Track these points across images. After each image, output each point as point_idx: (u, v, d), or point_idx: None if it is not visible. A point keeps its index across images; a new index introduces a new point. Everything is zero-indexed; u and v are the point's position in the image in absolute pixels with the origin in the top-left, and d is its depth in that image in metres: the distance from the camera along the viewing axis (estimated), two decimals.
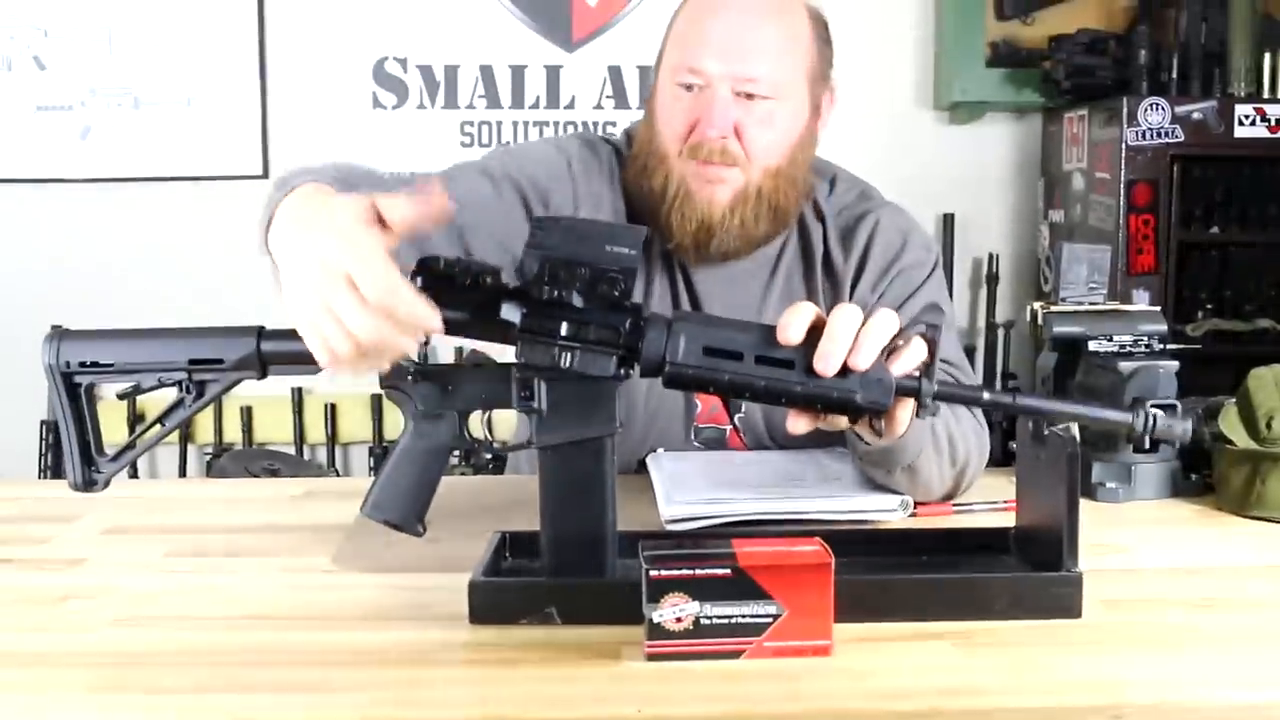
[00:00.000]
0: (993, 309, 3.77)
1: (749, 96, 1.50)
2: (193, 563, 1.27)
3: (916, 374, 1.07)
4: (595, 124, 3.72)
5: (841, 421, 1.11)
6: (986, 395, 1.10)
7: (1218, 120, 3.26)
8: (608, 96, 3.72)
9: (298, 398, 3.67)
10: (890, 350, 1.07)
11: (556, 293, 1.06)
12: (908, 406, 1.10)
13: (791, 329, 1.06)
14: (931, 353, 1.07)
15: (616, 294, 1.06)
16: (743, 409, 1.63)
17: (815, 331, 1.06)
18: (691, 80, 1.50)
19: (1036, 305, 1.64)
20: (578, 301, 1.07)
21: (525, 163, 1.61)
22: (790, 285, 1.65)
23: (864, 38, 3.68)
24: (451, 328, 1.08)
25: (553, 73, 3.72)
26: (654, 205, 1.56)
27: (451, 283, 1.07)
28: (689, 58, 1.50)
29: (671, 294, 1.62)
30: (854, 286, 1.63)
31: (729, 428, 1.66)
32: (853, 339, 1.05)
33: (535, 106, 3.72)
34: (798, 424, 1.10)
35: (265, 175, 3.66)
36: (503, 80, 3.71)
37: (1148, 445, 1.13)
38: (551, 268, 1.06)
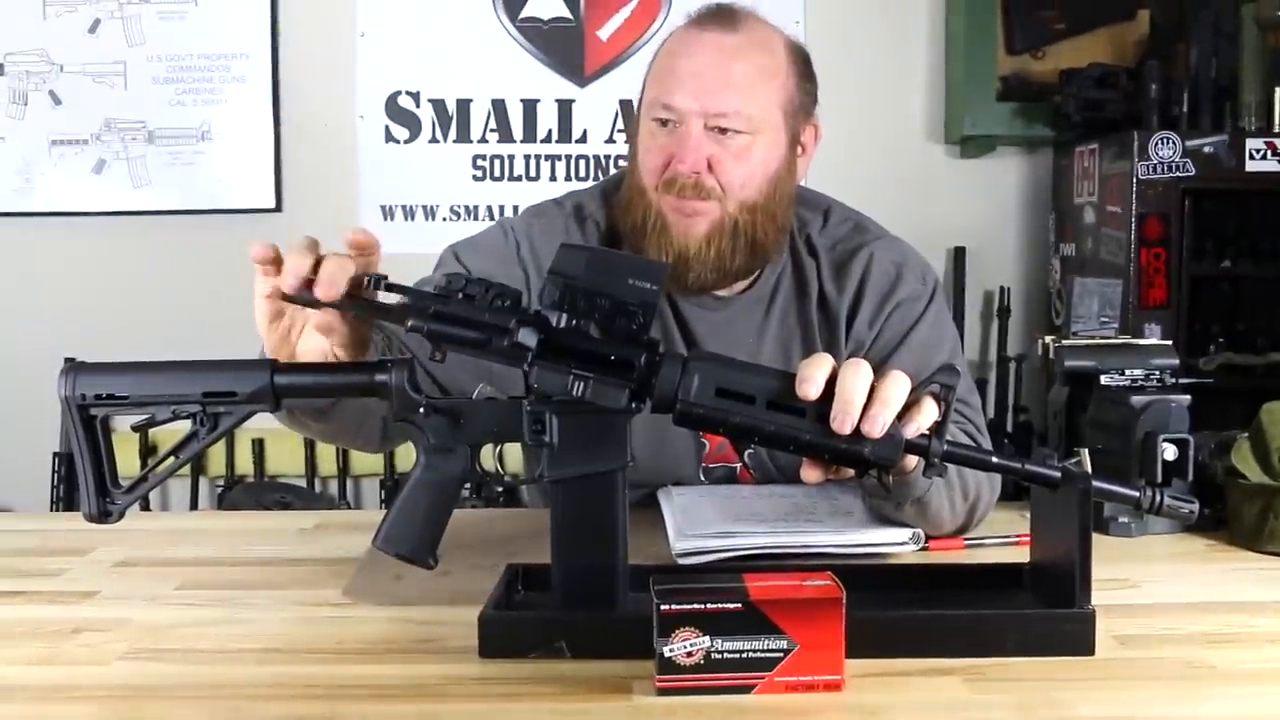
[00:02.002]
0: (1004, 342, 3.77)
1: (722, 131, 1.52)
2: (204, 595, 1.27)
3: (926, 432, 1.08)
4: (606, 157, 3.73)
5: (849, 471, 1.11)
6: (995, 459, 1.11)
7: (1229, 154, 3.26)
8: (619, 130, 3.73)
9: None
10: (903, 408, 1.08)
11: (575, 321, 1.07)
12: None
13: (812, 385, 1.05)
14: (944, 414, 1.08)
15: (634, 328, 1.07)
16: (752, 445, 1.64)
17: (829, 381, 1.07)
18: (666, 116, 1.53)
19: (1048, 339, 1.64)
20: (595, 332, 1.08)
21: (476, 259, 1.62)
22: (786, 322, 1.65)
23: (875, 72, 3.70)
24: (469, 348, 1.09)
25: (564, 106, 3.73)
26: (636, 240, 1.58)
27: (471, 304, 1.08)
28: (663, 94, 1.53)
29: (662, 331, 1.62)
30: (850, 322, 1.64)
31: (739, 465, 1.66)
32: (864, 400, 1.05)
33: (547, 140, 3.73)
34: (811, 474, 1.10)
35: (278, 208, 3.67)
36: (515, 114, 3.72)
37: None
38: (572, 296, 1.07)
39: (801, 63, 1.59)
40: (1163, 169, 3.24)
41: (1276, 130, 3.32)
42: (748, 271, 1.61)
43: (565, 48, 3.72)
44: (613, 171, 3.76)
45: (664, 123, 1.53)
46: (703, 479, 1.66)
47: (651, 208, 1.55)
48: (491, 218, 3.71)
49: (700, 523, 1.39)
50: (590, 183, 3.66)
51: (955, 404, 1.46)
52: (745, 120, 1.51)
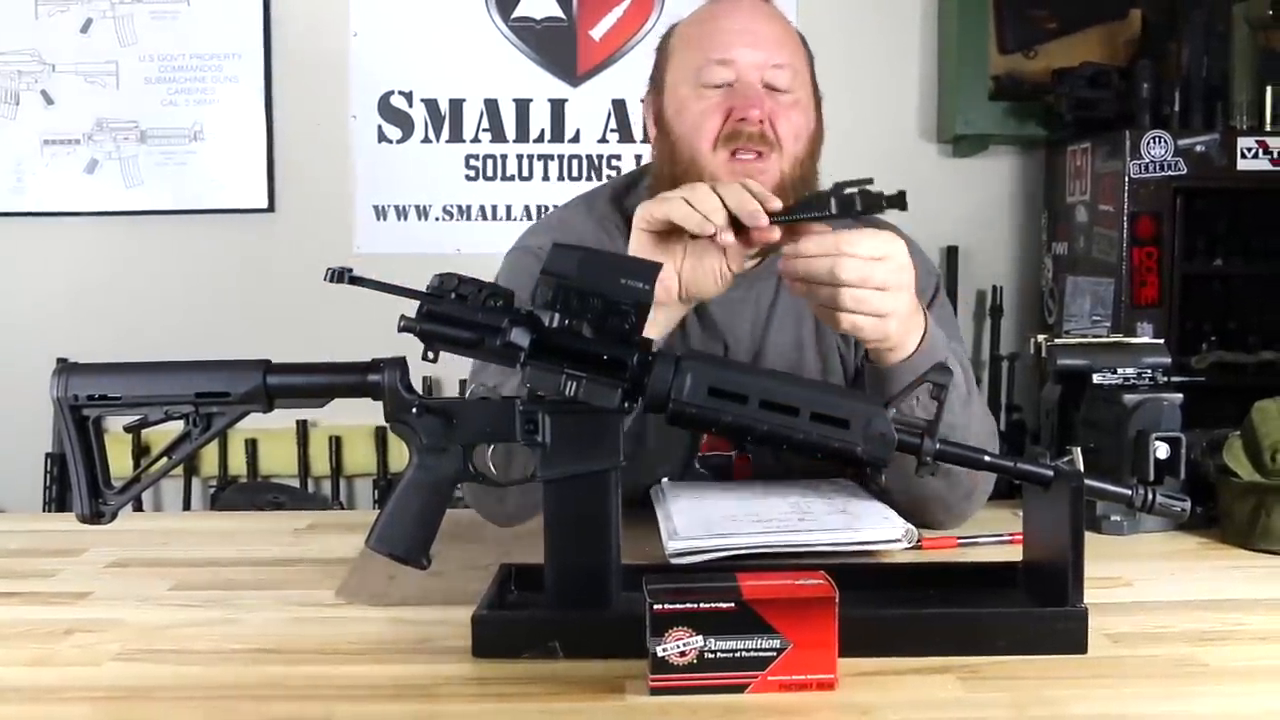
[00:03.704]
0: (996, 341, 3.77)
1: (773, 89, 1.55)
2: (198, 596, 1.27)
3: (918, 431, 1.08)
4: (599, 157, 3.73)
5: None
6: (988, 458, 1.11)
7: (1220, 153, 3.26)
8: (611, 130, 3.73)
9: (302, 431, 3.67)
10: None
11: (567, 321, 1.08)
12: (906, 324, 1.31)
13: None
14: (938, 413, 1.08)
15: (627, 327, 1.07)
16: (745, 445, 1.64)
17: (818, 384, 1.09)
18: (719, 77, 1.54)
19: (1040, 338, 1.64)
20: (588, 332, 1.08)
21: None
22: (797, 300, 1.66)
23: (868, 71, 3.70)
24: (461, 349, 1.09)
25: (557, 106, 3.73)
26: None
27: (464, 303, 1.08)
28: (715, 51, 1.55)
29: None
30: None
31: (734, 453, 1.66)
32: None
33: (540, 140, 3.73)
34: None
35: (271, 209, 3.68)
36: (507, 114, 3.72)
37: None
38: (564, 296, 1.07)
39: (808, 54, 1.65)
40: (1155, 168, 3.24)
41: (1268, 129, 3.33)
42: None
43: (558, 47, 3.72)
44: (608, 175, 3.79)
45: (715, 85, 1.55)
46: (698, 467, 1.66)
47: (706, 174, 1.53)
48: (484, 217, 3.71)
49: (693, 522, 1.39)
50: (586, 184, 3.70)
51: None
52: (793, 75, 1.56)
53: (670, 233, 1.37)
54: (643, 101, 1.67)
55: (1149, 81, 3.35)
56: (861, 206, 1.32)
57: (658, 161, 1.62)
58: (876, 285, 1.30)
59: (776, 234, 1.34)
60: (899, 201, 1.31)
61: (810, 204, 1.35)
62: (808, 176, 1.58)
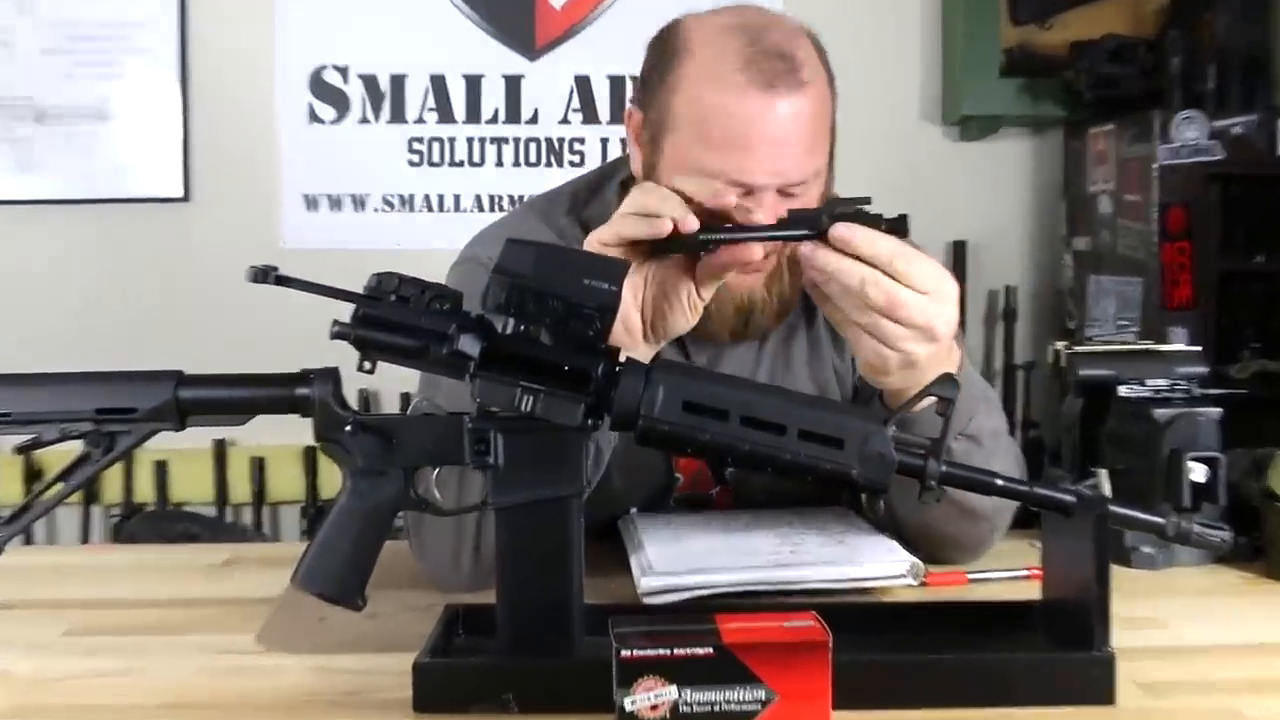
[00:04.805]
0: (1010, 349, 3.79)
1: (791, 195, 1.46)
2: (96, 643, 1.26)
3: (921, 450, 1.08)
4: (560, 140, 3.73)
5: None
6: (1000, 482, 1.12)
7: (1260, 135, 3.28)
8: (574, 110, 3.73)
9: (220, 451, 3.65)
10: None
11: (523, 327, 1.07)
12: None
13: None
14: (944, 430, 1.08)
15: (590, 334, 1.07)
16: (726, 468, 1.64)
17: (807, 398, 1.10)
18: (732, 192, 1.43)
19: (1060, 345, 1.65)
20: (546, 339, 1.08)
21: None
22: (792, 332, 1.65)
23: (864, 45, 3.71)
24: (401, 357, 1.09)
25: (512, 83, 3.73)
26: None
27: (405, 306, 1.07)
28: (733, 168, 1.44)
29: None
30: None
31: (714, 491, 1.66)
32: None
33: (493, 120, 3.73)
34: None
35: (186, 198, 3.66)
36: (456, 91, 3.72)
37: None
38: (519, 298, 1.07)
39: (825, 59, 1.54)
40: (1187, 152, 3.26)
41: None
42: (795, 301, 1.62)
43: (513, 17, 3.72)
44: (570, 161, 3.79)
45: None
46: (674, 506, 1.66)
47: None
48: (430, 208, 3.70)
49: (669, 556, 1.39)
50: (544, 170, 3.70)
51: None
52: (814, 173, 1.48)
53: (627, 254, 1.33)
54: (627, 111, 1.58)
55: (1180, 55, 3.37)
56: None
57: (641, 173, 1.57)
58: (916, 321, 1.29)
59: (757, 253, 1.34)
60: (900, 227, 1.30)
61: (797, 222, 1.33)
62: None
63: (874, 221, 1.30)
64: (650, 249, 1.34)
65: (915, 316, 1.28)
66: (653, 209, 1.33)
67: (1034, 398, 3.79)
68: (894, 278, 1.27)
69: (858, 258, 1.28)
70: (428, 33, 3.71)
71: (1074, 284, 3.67)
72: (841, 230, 1.28)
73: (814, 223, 1.30)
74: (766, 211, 1.45)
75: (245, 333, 3.40)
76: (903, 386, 1.34)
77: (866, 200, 1.31)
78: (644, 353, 1.40)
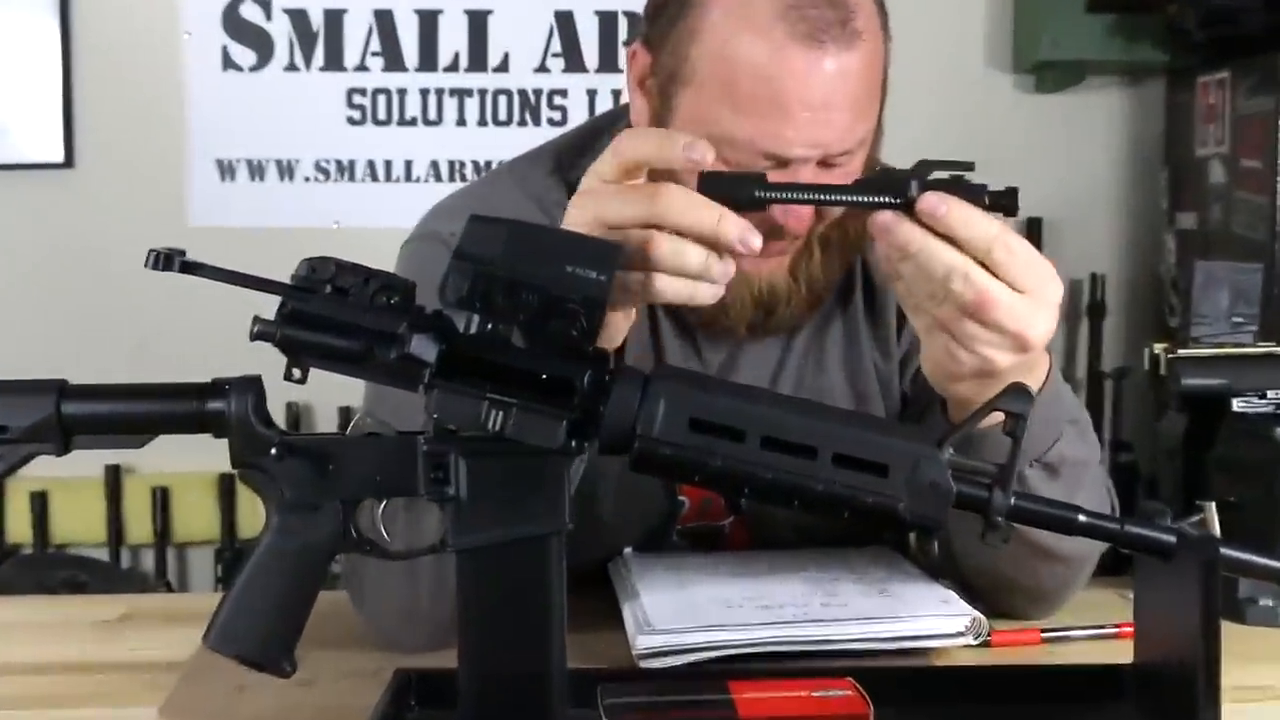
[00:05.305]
0: (1097, 352, 3.79)
1: (833, 166, 1.47)
2: None
3: (986, 479, 1.09)
4: (537, 93, 3.74)
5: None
6: (1082, 518, 1.12)
7: None
8: (554, 55, 3.73)
9: (114, 480, 3.65)
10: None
11: (490, 325, 1.07)
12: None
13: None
14: (1012, 454, 1.09)
15: (575, 333, 1.07)
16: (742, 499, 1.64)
17: (843, 413, 1.09)
18: (763, 163, 1.44)
19: (1159, 348, 1.65)
20: (519, 340, 1.08)
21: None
22: (826, 323, 1.66)
23: None
24: (340, 363, 1.09)
25: (477, 20, 3.73)
26: None
27: (344, 299, 1.07)
28: (768, 139, 1.44)
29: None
30: (904, 321, 1.65)
31: (727, 522, 1.66)
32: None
33: (453, 68, 3.73)
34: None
35: (69, 163, 3.66)
36: (407, 30, 3.72)
37: None
38: (486, 290, 1.07)
39: (884, 15, 1.55)
40: None
41: None
42: (832, 286, 1.62)
43: None
44: (549, 120, 3.79)
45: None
46: (677, 540, 1.67)
47: None
48: (374, 178, 3.72)
49: (671, 608, 1.39)
50: (517, 131, 3.70)
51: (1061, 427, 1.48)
52: (860, 142, 1.49)
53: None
54: (627, 49, 1.60)
55: None
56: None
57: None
58: (1006, 326, 1.26)
59: (804, 223, 1.31)
60: (1007, 204, 1.26)
61: (874, 184, 1.27)
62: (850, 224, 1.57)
63: (975, 194, 1.25)
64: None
65: (1006, 320, 1.25)
66: (651, 149, 1.27)
67: (1126, 413, 3.79)
68: (989, 268, 1.24)
69: (948, 239, 1.24)
70: None
71: (1177, 271, 3.68)
72: (934, 202, 1.23)
73: (901, 189, 1.24)
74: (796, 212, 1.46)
75: (145, 332, 3.41)
76: (973, 397, 1.31)
77: (968, 166, 1.26)
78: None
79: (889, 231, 1.24)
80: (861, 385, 1.66)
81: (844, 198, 1.30)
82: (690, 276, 1.21)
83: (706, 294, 1.23)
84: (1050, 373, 1.39)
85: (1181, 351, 1.62)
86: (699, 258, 1.20)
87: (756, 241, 1.21)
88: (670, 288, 1.22)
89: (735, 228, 1.20)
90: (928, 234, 1.23)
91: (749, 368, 1.62)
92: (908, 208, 1.23)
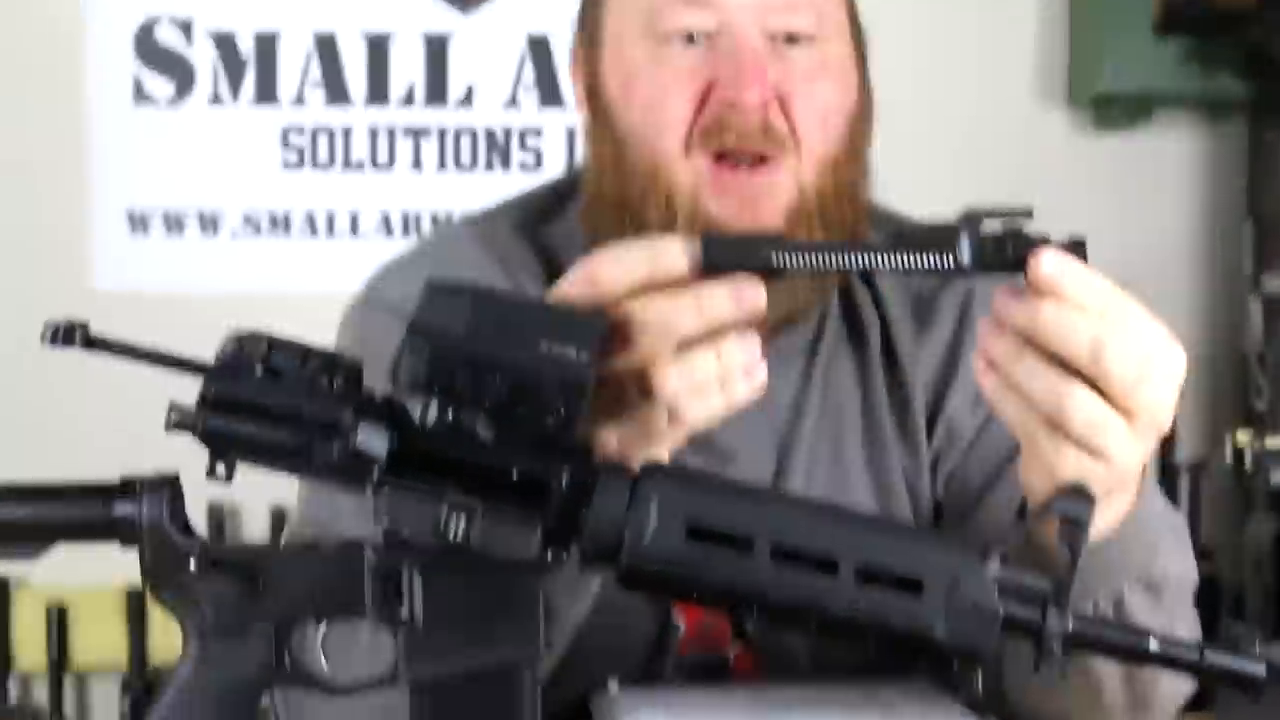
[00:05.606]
0: (1169, 440, 3.79)
1: (788, 39, 1.52)
2: None
3: (1040, 595, 1.09)
4: (507, 132, 3.75)
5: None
6: (1154, 645, 1.11)
7: None
8: (527, 87, 3.74)
9: (1, 595, 3.64)
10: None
11: (451, 414, 1.07)
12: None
13: None
14: (1070, 567, 1.08)
15: (551, 423, 1.07)
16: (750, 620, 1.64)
17: (867, 519, 1.09)
18: (690, 22, 1.52)
19: (1243, 437, 1.66)
20: (485, 431, 1.08)
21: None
22: (835, 380, 1.67)
23: None
24: (275, 459, 1.09)
25: (436, 46, 3.75)
26: None
27: (277, 382, 1.08)
28: None
29: None
30: (939, 396, 1.66)
31: (732, 650, 1.66)
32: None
33: (409, 102, 3.74)
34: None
35: None
36: (353, 58, 3.74)
37: None
38: (446, 371, 1.07)
39: None
40: None
41: None
42: (826, 290, 1.63)
43: None
44: (521, 162, 3.79)
45: (688, 37, 1.53)
46: (669, 668, 1.67)
47: (679, 193, 1.54)
48: (314, 232, 3.72)
49: None
50: (484, 175, 3.71)
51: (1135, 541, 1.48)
52: (817, 17, 1.53)
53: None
54: (572, 56, 1.67)
55: None
56: (1015, 255, 1.19)
57: (594, 166, 1.63)
58: (1136, 405, 1.22)
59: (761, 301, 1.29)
60: (1077, 254, 1.21)
61: (915, 240, 1.20)
62: (849, 184, 1.59)
63: (1034, 246, 1.19)
64: None
65: (1145, 392, 1.22)
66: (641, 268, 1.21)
67: (1204, 514, 3.78)
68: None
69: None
70: None
71: (1265, 345, 3.68)
72: (1055, 264, 1.17)
73: (949, 243, 1.18)
74: (750, 60, 1.50)
75: (40, 419, 3.41)
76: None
77: (1025, 214, 1.21)
78: None
79: (1009, 308, 1.19)
80: (886, 479, 1.67)
81: (882, 256, 1.21)
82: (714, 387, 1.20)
83: (742, 393, 1.21)
84: (1143, 479, 1.35)
85: (1270, 442, 1.63)
86: (710, 364, 1.19)
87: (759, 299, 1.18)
88: (702, 410, 1.20)
89: (730, 301, 1.18)
90: (1060, 310, 1.17)
91: (748, 463, 1.62)
92: (1017, 267, 1.18)
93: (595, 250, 1.32)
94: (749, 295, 1.17)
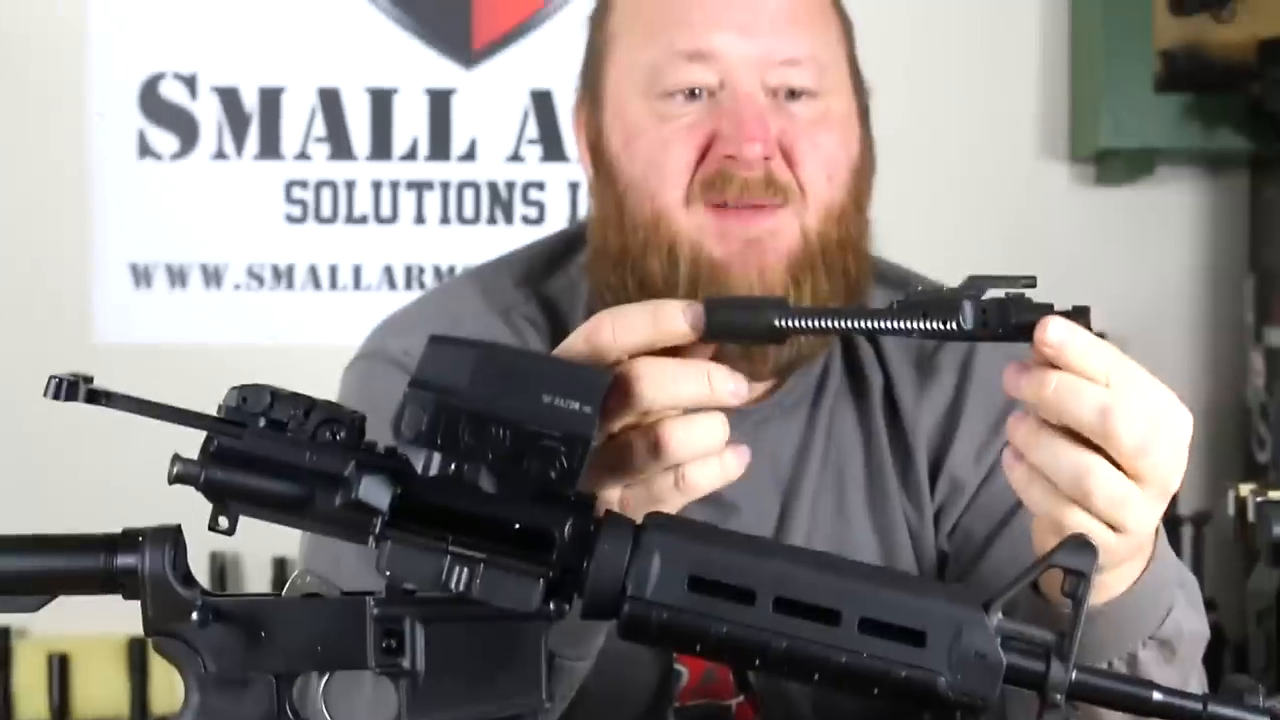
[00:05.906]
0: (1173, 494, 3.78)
1: (790, 94, 1.54)
2: None
3: (1042, 647, 1.08)
4: (510, 186, 3.74)
5: None
6: (1158, 696, 1.11)
7: None
8: (530, 141, 3.74)
9: (2, 646, 3.63)
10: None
11: (454, 466, 1.07)
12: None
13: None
14: (1074, 619, 1.08)
15: (553, 475, 1.07)
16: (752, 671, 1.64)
17: (871, 570, 1.10)
18: (692, 79, 1.53)
19: (1245, 489, 1.65)
20: (488, 484, 1.08)
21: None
22: (838, 432, 1.67)
23: (956, 47, 3.74)
24: (277, 511, 1.09)
25: (439, 101, 3.75)
26: None
27: (280, 434, 1.08)
28: (682, 37, 1.54)
29: None
30: (941, 450, 1.66)
31: (735, 701, 1.66)
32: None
33: (411, 157, 3.74)
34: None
35: None
36: (356, 113, 3.74)
37: None
38: (449, 424, 1.07)
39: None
40: None
41: None
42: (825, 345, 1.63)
43: (441, 10, 3.76)
44: (524, 216, 3.78)
45: (691, 93, 1.55)
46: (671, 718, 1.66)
47: (681, 244, 1.55)
48: (317, 285, 3.71)
49: None
50: (487, 229, 3.71)
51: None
52: (818, 72, 1.55)
53: None
54: (575, 113, 1.67)
55: None
56: (1017, 323, 1.20)
57: (598, 219, 1.64)
58: (1145, 469, 1.23)
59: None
60: (1081, 321, 1.20)
61: (918, 306, 1.21)
62: (853, 235, 1.59)
63: (1040, 313, 1.19)
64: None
65: (1152, 458, 1.23)
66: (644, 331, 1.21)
67: (1206, 566, 3.78)
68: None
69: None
70: (315, 27, 3.74)
71: (1266, 397, 3.68)
72: (1060, 332, 1.17)
73: (949, 309, 1.19)
74: (752, 112, 1.51)
75: (42, 472, 3.40)
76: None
77: (1029, 282, 1.20)
78: None
79: (1017, 379, 1.21)
80: (889, 530, 1.67)
81: (884, 321, 1.21)
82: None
83: (734, 465, 1.23)
84: (1157, 540, 1.36)
85: (1272, 494, 1.63)
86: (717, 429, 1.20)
87: (745, 389, 1.20)
88: (704, 476, 1.21)
89: (727, 381, 1.19)
90: (1066, 381, 1.18)
91: (751, 514, 1.62)
92: (964, 334, 1.19)
93: (598, 306, 1.33)
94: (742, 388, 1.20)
